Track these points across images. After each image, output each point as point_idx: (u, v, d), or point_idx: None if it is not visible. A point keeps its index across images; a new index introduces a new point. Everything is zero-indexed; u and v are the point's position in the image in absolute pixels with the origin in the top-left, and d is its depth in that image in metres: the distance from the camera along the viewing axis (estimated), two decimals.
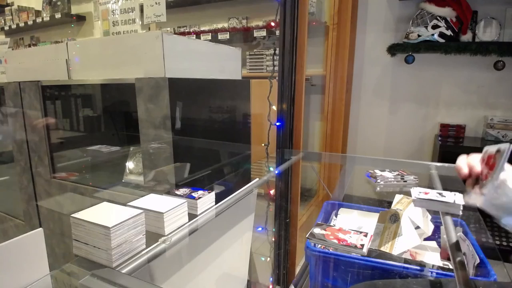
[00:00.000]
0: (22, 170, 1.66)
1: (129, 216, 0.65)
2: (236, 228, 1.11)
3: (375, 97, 2.59)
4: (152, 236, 0.72)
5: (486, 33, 2.11)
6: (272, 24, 1.54)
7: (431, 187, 0.94)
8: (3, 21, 4.57)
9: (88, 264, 0.62)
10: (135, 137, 1.24)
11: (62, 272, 0.61)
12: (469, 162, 0.70)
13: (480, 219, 1.07)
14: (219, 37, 2.89)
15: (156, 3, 1.37)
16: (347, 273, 0.89)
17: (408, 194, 1.07)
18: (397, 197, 1.10)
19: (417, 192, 0.86)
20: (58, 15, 3.95)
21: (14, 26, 4.41)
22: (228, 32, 2.87)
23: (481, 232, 1.05)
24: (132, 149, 1.43)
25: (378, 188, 1.17)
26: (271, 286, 1.59)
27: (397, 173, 1.26)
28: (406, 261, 0.88)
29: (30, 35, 4.57)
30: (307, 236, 0.93)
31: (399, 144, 2.57)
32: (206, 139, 1.38)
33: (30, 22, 4.23)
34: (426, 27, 2.15)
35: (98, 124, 1.67)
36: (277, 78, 1.45)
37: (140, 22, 1.50)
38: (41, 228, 0.57)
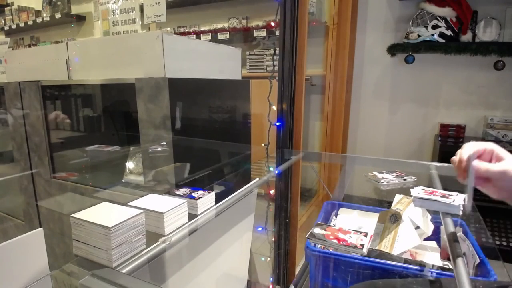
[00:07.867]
0: (22, 170, 1.66)
1: (129, 216, 0.65)
2: (236, 228, 1.11)
3: (375, 97, 2.59)
4: (152, 236, 0.71)
5: (486, 33, 2.11)
6: (272, 24, 1.54)
7: (431, 187, 0.94)
8: (3, 21, 4.57)
9: (88, 264, 0.62)
10: (135, 137, 1.24)
11: (62, 272, 0.61)
12: (461, 155, 0.70)
13: (480, 219, 1.07)
14: (219, 37, 2.89)
15: (156, 3, 1.36)
16: (347, 273, 0.89)
17: (408, 194, 1.07)
18: (397, 197, 1.09)
19: (417, 192, 0.86)
20: (58, 15, 3.95)
21: (14, 26, 4.41)
22: (228, 32, 2.87)
23: (481, 232, 1.05)
24: (132, 149, 1.43)
25: (381, 187, 1.18)
26: (271, 286, 1.59)
27: (395, 174, 1.26)
28: (406, 261, 0.88)
29: (30, 35, 4.57)
30: (307, 236, 0.93)
31: (399, 144, 2.57)
32: (206, 139, 1.38)
33: (30, 22, 4.23)
34: (426, 27, 2.15)
35: (98, 124, 1.67)
36: (277, 78, 1.45)
37: (140, 22, 1.50)
38: (41, 228, 0.57)
